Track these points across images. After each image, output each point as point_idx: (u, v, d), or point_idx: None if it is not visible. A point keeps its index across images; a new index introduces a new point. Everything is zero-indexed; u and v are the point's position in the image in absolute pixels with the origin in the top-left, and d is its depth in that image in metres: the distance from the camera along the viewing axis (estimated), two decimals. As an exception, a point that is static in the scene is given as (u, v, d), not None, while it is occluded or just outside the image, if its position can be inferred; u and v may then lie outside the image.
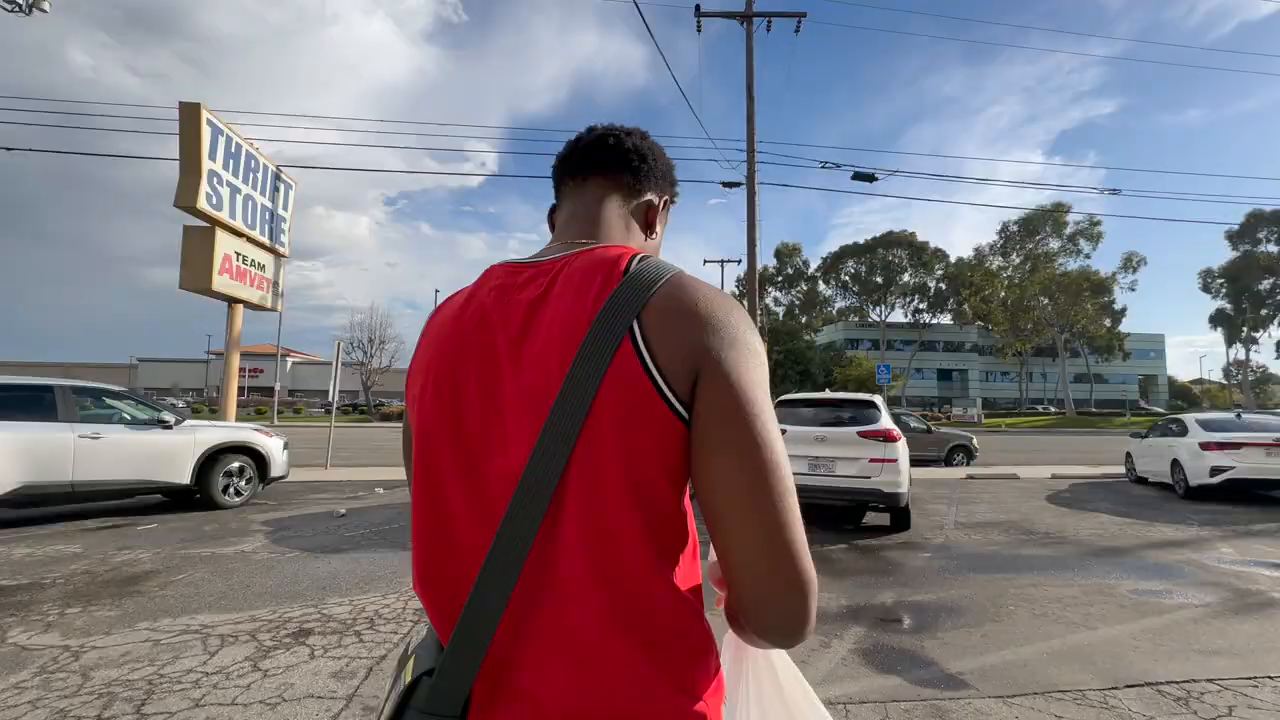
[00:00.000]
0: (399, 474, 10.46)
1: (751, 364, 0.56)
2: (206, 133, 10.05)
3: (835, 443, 6.40)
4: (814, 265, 57.91)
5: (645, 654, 0.52)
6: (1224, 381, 77.02)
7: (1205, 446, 9.14)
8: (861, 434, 6.35)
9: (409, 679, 0.54)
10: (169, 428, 6.59)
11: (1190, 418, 10.15)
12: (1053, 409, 60.10)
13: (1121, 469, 12.65)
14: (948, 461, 14.38)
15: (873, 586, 4.65)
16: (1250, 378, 56.94)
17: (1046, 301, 48.05)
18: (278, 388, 32.77)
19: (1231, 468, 8.84)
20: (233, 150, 10.70)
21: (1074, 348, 58.67)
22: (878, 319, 56.48)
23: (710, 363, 0.54)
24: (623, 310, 0.55)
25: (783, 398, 7.22)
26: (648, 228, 0.75)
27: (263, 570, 4.52)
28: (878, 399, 6.76)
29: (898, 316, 56.70)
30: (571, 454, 0.52)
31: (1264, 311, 48.84)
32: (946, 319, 57.30)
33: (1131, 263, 48.23)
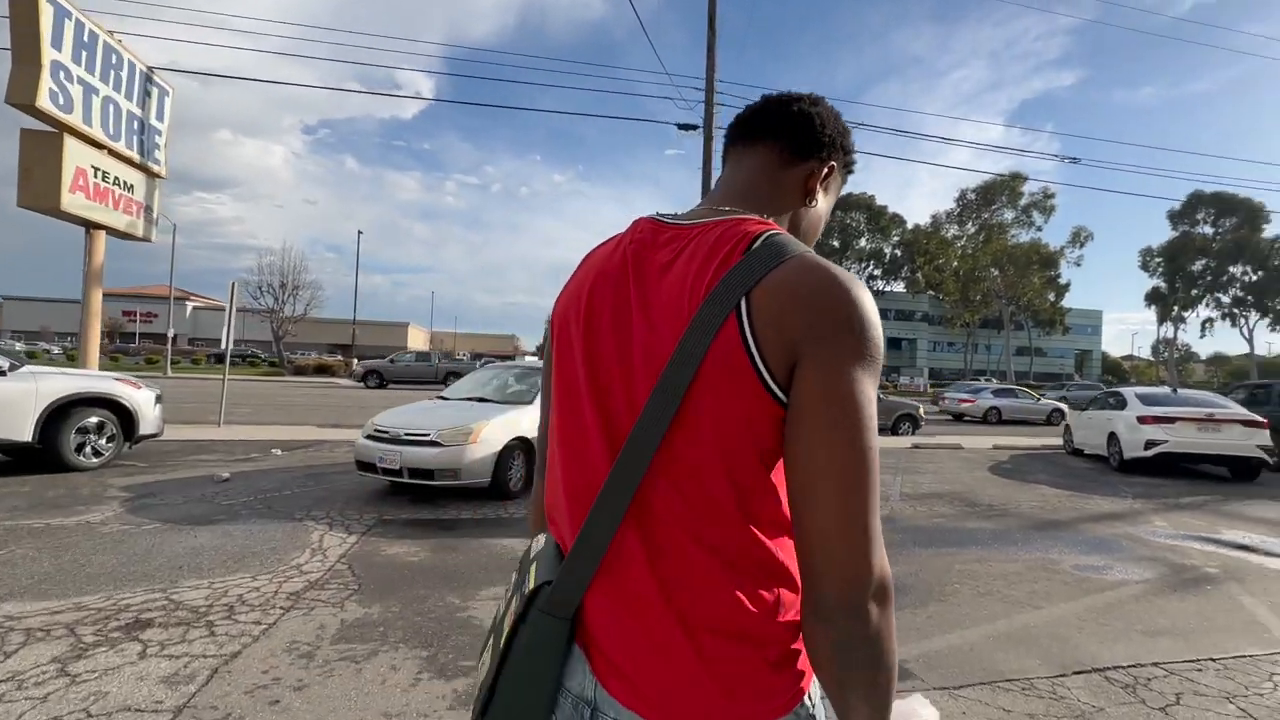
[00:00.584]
0: (303, 434, 9.77)
1: (852, 354, 0.59)
2: (47, 12, 8.62)
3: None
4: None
5: (725, 575, 0.62)
6: (1151, 359, 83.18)
7: (1142, 420, 9.58)
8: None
9: (533, 584, 0.67)
10: (2, 375, 5.74)
11: (1129, 391, 10.61)
12: (995, 381, 63.41)
13: (1059, 440, 13.26)
14: (894, 430, 14.74)
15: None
16: (1175, 356, 61.46)
17: (997, 273, 50.03)
18: (171, 334, 30.29)
19: (1165, 441, 9.30)
20: (86, 40, 9.29)
21: (1018, 320, 61.84)
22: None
23: (809, 348, 0.59)
24: (735, 288, 0.60)
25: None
26: (807, 194, 0.78)
27: (107, 546, 3.95)
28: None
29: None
30: (674, 416, 0.61)
31: (1194, 291, 52.52)
32: (900, 287, 59.00)
33: (1079, 238, 50.53)
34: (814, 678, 0.66)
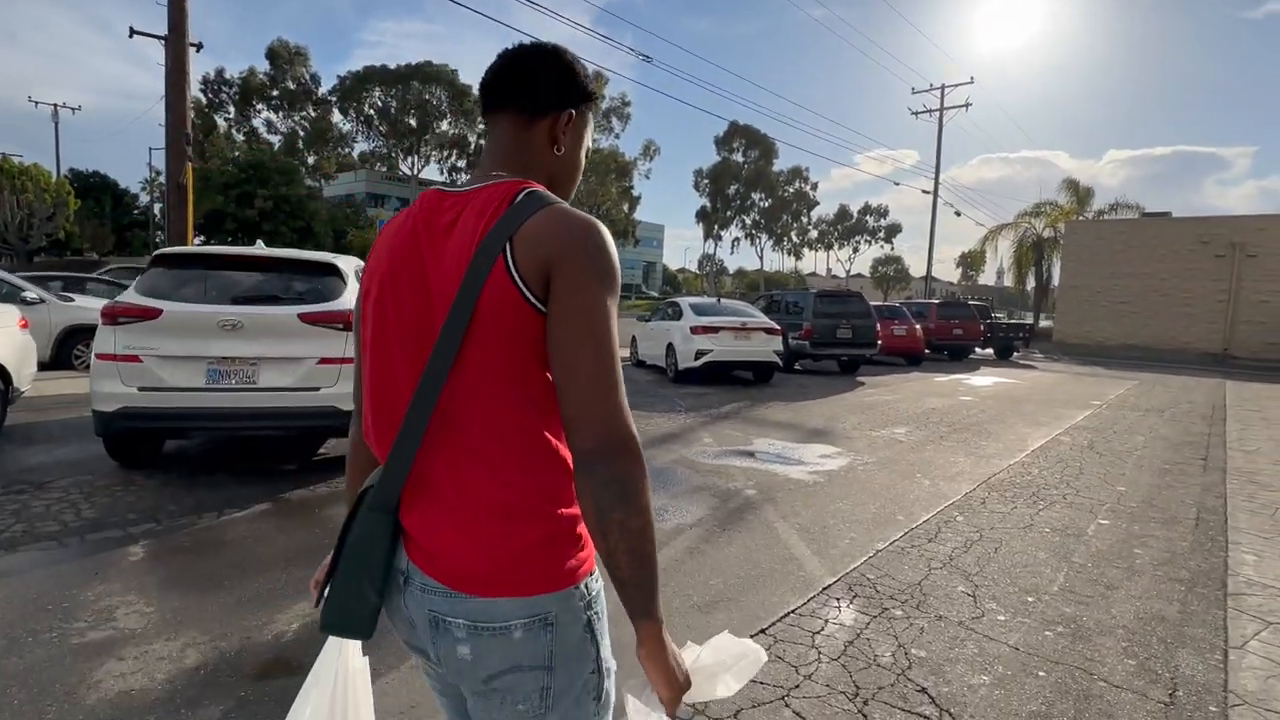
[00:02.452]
0: None
1: (590, 271, 0.89)
2: None
3: (257, 333, 4.43)
4: (328, 85, 51.03)
5: (514, 465, 0.90)
6: (698, 272, 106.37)
7: (694, 330, 10.99)
8: (305, 318, 4.54)
9: (360, 493, 1.00)
10: None
11: (684, 301, 12.14)
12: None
13: (625, 351, 14.78)
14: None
15: (307, 562, 3.20)
16: (714, 270, 79.71)
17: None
18: None
19: (711, 350, 10.88)
20: None
21: (598, 230, 70.24)
22: (410, 172, 54.60)
23: (557, 269, 0.88)
24: (502, 234, 0.90)
25: (160, 252, 4.73)
26: (554, 145, 1.05)
27: None
28: (341, 262, 5.00)
29: (433, 172, 56.05)
30: (464, 333, 0.89)
31: (729, 213, 68.36)
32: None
33: (649, 151, 59.46)
34: (594, 571, 0.97)
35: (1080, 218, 31.71)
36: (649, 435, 7.03)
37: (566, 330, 0.88)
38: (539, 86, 1.02)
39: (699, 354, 10.88)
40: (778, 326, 11.50)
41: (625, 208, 62.39)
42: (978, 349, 19.84)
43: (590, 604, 0.95)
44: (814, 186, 71.67)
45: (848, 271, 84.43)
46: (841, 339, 13.41)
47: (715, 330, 10.98)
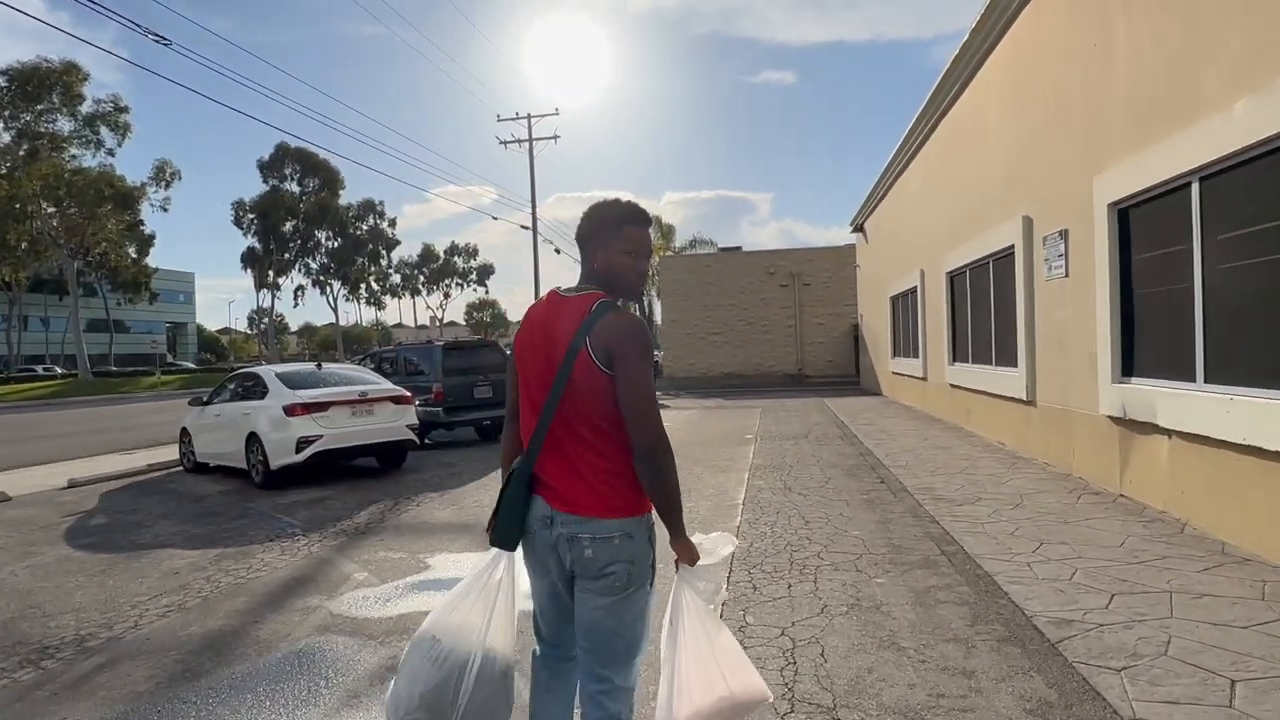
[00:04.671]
0: None
1: (633, 350, 2.00)
2: None
3: None
4: None
5: (607, 451, 2.05)
6: (250, 331, 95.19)
7: (291, 410, 8.97)
8: None
9: (513, 468, 2.15)
10: None
11: (268, 372, 9.94)
12: (59, 370, 57.26)
13: (173, 453, 11.57)
14: None
15: None
16: (274, 326, 72.20)
17: (53, 210, 44.20)
18: None
19: (320, 436, 8.99)
20: None
21: (90, 283, 57.60)
22: None
23: (614, 352, 2.00)
24: (583, 333, 2.02)
25: None
26: (607, 266, 2.17)
27: None
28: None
29: None
30: (566, 384, 2.03)
31: (287, 255, 62.68)
32: None
33: (165, 174, 50.30)
34: (651, 509, 2.11)
35: (668, 253, 37.04)
36: (254, 592, 5.12)
37: (624, 386, 1.98)
38: (588, 242, 2.21)
39: (302, 443, 8.89)
40: (407, 394, 10.16)
41: (132, 250, 52.41)
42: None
43: (650, 527, 2.11)
44: (392, 223, 70.66)
45: (440, 320, 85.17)
46: (481, 399, 12.63)
47: (323, 407, 9.13)
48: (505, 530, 2.08)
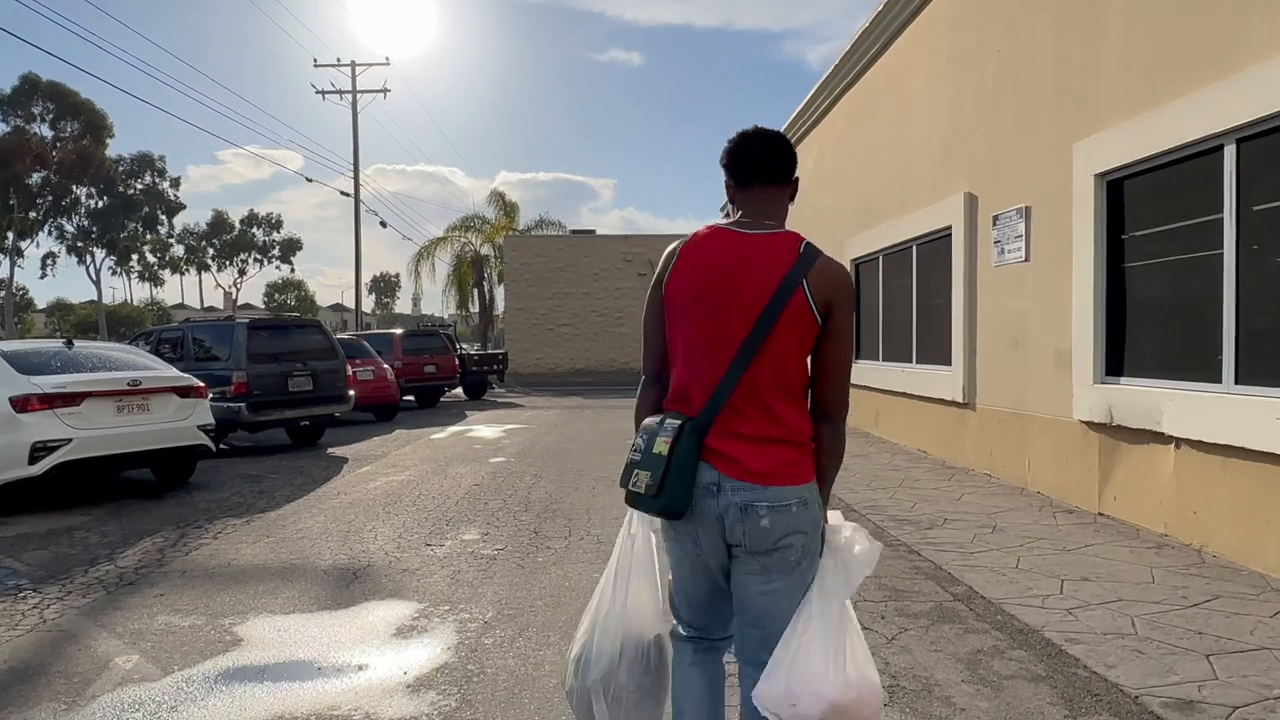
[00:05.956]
0: None
1: (850, 302, 1.99)
2: None
3: None
4: None
5: (788, 414, 1.95)
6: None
7: (22, 404, 6.83)
8: None
9: (676, 424, 1.94)
10: None
11: (-10, 350, 7.63)
12: None
13: None
14: None
15: None
16: (14, 301, 62.76)
17: None
18: None
19: (68, 439, 6.91)
20: None
21: None
22: None
23: (834, 304, 1.93)
24: (800, 273, 1.91)
25: None
26: (791, 201, 2.14)
27: None
28: None
29: None
30: (771, 329, 1.90)
31: (34, 214, 54.55)
32: None
33: None
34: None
35: (513, 232, 35.38)
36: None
37: (834, 343, 1.96)
38: (791, 166, 2.11)
39: (39, 449, 6.79)
40: (199, 383, 8.19)
41: None
42: (448, 389, 19.43)
43: (817, 495, 1.99)
44: (175, 183, 63.61)
45: (234, 300, 77.74)
46: (298, 394, 10.71)
47: (73, 399, 7.04)
48: (677, 490, 1.91)
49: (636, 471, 1.95)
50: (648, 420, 2.03)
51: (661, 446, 1.91)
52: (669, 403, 2.04)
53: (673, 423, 1.94)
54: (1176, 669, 3.28)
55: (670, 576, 2.16)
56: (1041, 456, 6.82)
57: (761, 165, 2.05)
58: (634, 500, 1.97)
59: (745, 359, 1.90)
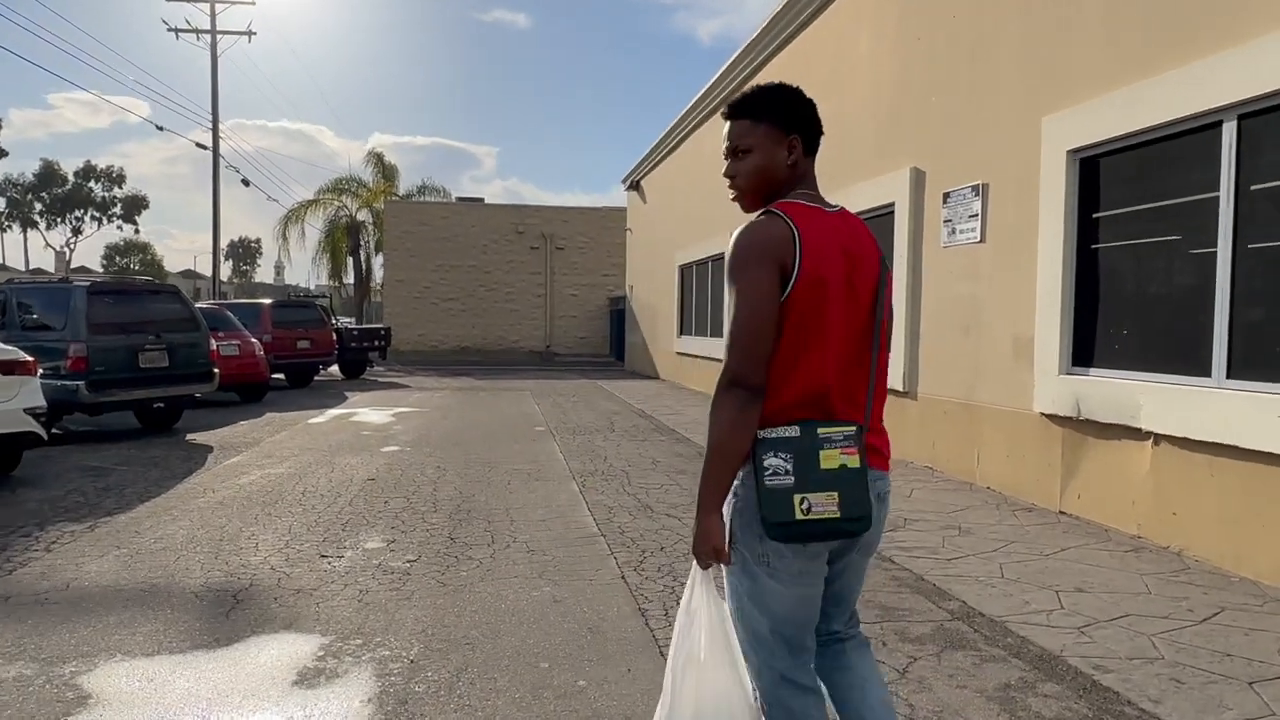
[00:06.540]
0: None
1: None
2: None
3: None
4: None
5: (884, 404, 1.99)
6: None
7: None
8: None
9: (853, 429, 1.78)
10: None
11: None
12: None
13: None
14: None
15: None
16: None
17: None
18: None
19: None
20: None
21: None
22: None
23: (889, 276, 1.96)
24: (881, 255, 1.94)
25: None
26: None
27: None
28: None
29: None
30: (884, 314, 1.90)
31: None
32: None
33: None
34: None
35: (394, 198, 33.65)
36: None
37: (890, 315, 1.96)
38: (819, 134, 1.97)
39: None
40: (27, 357, 6.97)
41: None
42: (323, 367, 18.08)
43: None
44: (-6, 126, 57.38)
45: (68, 261, 71.15)
46: (150, 370, 9.45)
47: None
48: (865, 498, 1.75)
49: (806, 496, 1.70)
50: (773, 434, 1.76)
51: (842, 459, 1.74)
52: (799, 409, 1.78)
53: (845, 430, 1.77)
54: (1227, 701, 2.99)
55: (769, 627, 1.86)
56: (993, 450, 6.65)
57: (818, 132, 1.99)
58: (813, 528, 1.72)
59: (877, 345, 1.87)
